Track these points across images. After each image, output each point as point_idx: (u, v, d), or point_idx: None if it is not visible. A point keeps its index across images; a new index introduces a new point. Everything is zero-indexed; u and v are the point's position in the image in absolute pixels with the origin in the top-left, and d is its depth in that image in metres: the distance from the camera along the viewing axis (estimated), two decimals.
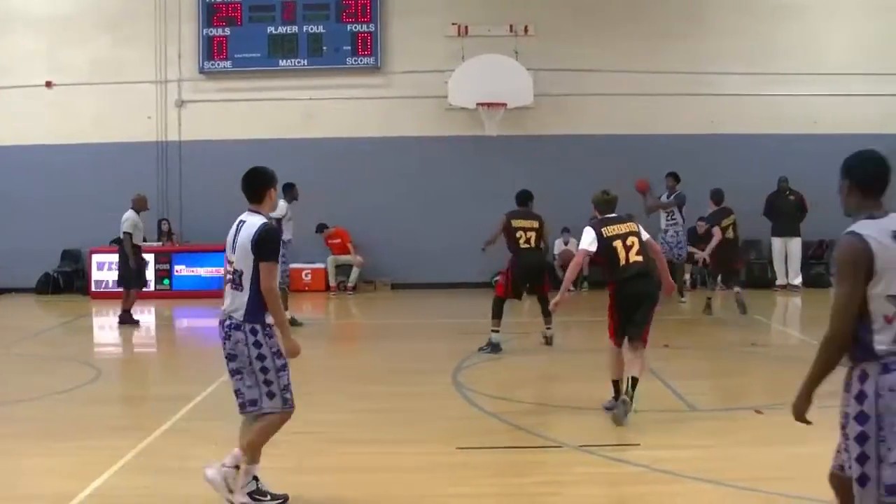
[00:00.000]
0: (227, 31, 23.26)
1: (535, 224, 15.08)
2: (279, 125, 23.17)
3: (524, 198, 15.33)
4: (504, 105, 22.21)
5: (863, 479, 5.30)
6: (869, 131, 23.22)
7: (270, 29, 23.24)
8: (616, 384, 10.69)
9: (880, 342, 5.23)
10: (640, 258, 10.65)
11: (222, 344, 7.71)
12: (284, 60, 23.27)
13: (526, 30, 23.05)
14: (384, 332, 18.31)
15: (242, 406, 7.75)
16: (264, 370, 7.57)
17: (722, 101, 23.47)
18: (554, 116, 23.03)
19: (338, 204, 22.81)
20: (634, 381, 10.45)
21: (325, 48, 23.16)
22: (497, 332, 14.70)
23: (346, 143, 23.13)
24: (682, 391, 11.95)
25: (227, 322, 7.65)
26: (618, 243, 10.66)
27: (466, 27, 22.90)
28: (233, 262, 7.69)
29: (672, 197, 20.57)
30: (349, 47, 23.12)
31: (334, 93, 23.18)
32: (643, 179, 20.29)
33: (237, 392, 7.74)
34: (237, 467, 7.59)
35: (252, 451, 7.68)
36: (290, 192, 16.97)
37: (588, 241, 10.67)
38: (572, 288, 12.63)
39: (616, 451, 9.30)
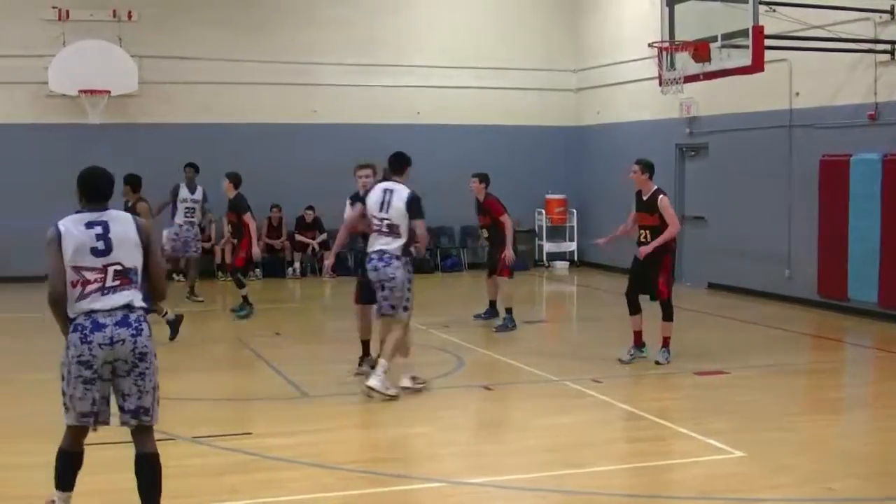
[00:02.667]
0: None
1: None
2: None
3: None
4: (108, 92, 21.66)
5: (65, 408, 6.74)
6: (464, 122, 24.48)
7: None
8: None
9: (70, 306, 6.62)
10: None
11: (371, 273, 11.17)
12: None
13: (129, 15, 22.53)
14: None
15: (383, 311, 11.21)
16: (407, 290, 11.20)
17: (327, 91, 23.93)
18: (159, 104, 22.66)
19: None
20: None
21: None
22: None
23: None
24: (294, 378, 12.14)
25: (386, 255, 11.08)
26: None
27: (68, 11, 22.08)
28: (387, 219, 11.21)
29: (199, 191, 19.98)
30: None
31: None
32: None
33: (383, 301, 11.16)
34: (386, 372, 10.98)
35: (405, 351, 11.36)
36: None
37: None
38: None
39: (229, 441, 9.33)
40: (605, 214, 22.80)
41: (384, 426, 10.34)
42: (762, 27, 14.50)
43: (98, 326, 6.56)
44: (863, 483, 8.32)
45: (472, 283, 22.81)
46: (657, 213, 12.69)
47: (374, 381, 10.90)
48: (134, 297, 6.72)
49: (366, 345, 12.41)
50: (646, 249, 12.63)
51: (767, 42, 14.65)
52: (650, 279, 12.82)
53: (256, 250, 17.32)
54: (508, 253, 15.60)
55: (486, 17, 25.15)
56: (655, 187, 12.84)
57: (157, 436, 6.88)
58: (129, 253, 6.74)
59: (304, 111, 23.75)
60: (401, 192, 11.36)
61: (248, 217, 17.13)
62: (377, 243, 11.21)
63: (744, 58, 14.72)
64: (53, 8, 22.02)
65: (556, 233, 25.30)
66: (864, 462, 9.13)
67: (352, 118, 23.93)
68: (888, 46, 16.38)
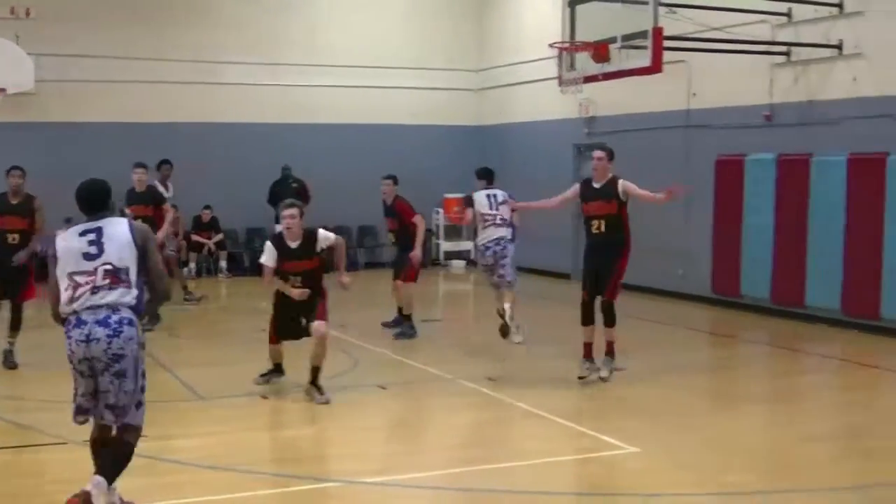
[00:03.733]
0: None
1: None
2: None
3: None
4: (3, 91, 21.18)
5: None
6: (365, 121, 24.41)
7: None
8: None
9: (63, 309, 6.80)
10: None
11: (490, 256, 14.00)
12: None
13: (28, 13, 22.05)
14: None
15: (502, 284, 14.02)
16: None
17: (227, 90, 23.68)
18: (56, 103, 22.23)
19: None
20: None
21: None
22: None
23: None
24: (190, 381, 11.97)
25: (503, 241, 13.88)
26: None
27: None
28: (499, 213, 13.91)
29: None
30: None
31: None
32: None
33: (500, 277, 13.92)
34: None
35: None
36: None
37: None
38: None
39: None
40: None
41: (280, 428, 10.26)
42: (661, 28, 14.62)
43: (79, 323, 6.75)
44: (758, 477, 8.43)
45: (369, 282, 22.74)
46: (615, 199, 11.92)
47: (519, 339, 13.94)
48: (122, 297, 6.80)
49: (278, 366, 11.69)
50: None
51: (666, 43, 14.77)
52: (604, 277, 11.87)
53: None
54: (417, 253, 15.10)
55: (390, 18, 25.09)
56: (611, 174, 12.06)
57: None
58: (120, 252, 6.87)
59: (207, 110, 23.47)
60: (502, 192, 14.20)
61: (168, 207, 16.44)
62: (495, 233, 13.92)
63: (643, 59, 14.83)
64: None
65: (454, 232, 25.36)
66: (760, 457, 9.26)
67: (253, 117, 23.74)
68: (784, 48, 16.66)
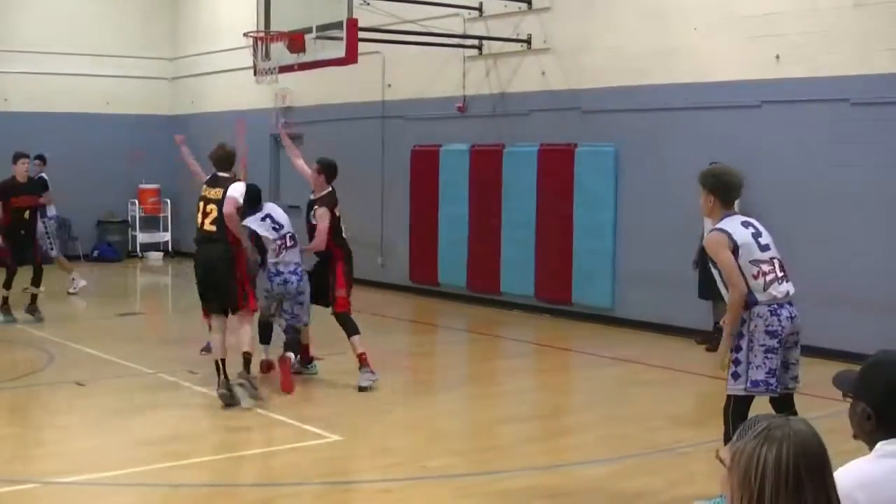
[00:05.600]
0: None
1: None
2: None
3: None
4: None
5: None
6: (58, 110, 23.60)
7: None
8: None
9: None
10: (213, 228, 10.34)
11: None
12: None
13: None
14: None
15: None
16: None
17: None
18: None
19: None
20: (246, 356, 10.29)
21: None
22: None
23: None
24: None
25: None
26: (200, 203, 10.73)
27: None
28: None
29: None
30: None
31: None
32: None
33: None
34: None
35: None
36: None
37: None
38: None
39: None
40: None
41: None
42: (356, 20, 14.72)
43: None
44: (460, 460, 8.63)
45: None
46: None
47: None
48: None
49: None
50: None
51: (361, 35, 14.90)
52: (325, 288, 11.24)
53: None
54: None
55: (80, 2, 24.28)
56: (328, 190, 11.21)
57: None
58: None
59: None
60: None
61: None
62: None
63: (338, 49, 14.91)
64: None
65: (150, 223, 24.83)
66: (461, 440, 9.50)
67: None
68: (476, 42, 17.09)
